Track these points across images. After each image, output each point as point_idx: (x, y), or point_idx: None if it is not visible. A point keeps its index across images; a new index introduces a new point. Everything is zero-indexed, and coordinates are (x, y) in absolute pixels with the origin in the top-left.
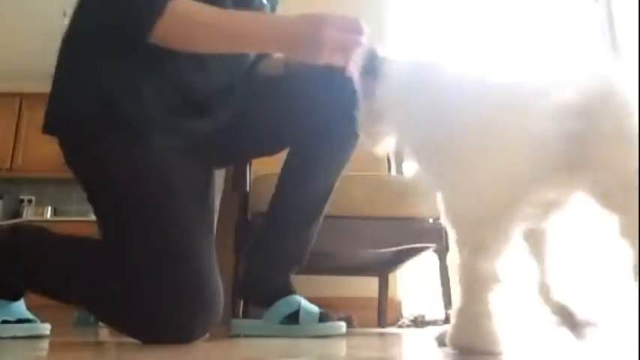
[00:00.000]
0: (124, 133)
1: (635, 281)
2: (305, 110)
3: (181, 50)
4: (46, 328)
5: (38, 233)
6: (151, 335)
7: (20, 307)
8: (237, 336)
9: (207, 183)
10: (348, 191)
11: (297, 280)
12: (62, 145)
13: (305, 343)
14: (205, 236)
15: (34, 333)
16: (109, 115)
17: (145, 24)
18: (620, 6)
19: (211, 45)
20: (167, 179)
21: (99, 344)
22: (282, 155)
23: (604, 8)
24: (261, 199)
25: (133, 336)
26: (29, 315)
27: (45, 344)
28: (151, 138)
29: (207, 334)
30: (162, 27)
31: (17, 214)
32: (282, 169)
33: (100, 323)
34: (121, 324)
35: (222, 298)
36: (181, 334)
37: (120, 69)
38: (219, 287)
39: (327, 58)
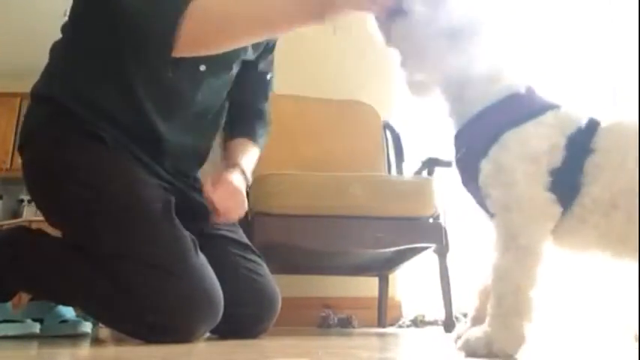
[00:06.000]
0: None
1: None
2: None
3: (206, 51)
4: (35, 326)
5: (36, 236)
6: (151, 335)
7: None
8: None
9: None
10: (348, 191)
11: (297, 280)
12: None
13: (306, 343)
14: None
15: (24, 332)
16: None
17: (168, 29)
18: (619, 6)
19: (243, 31)
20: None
21: (99, 343)
22: (282, 155)
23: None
24: (261, 199)
25: (133, 336)
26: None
27: (41, 343)
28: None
29: (208, 333)
30: (187, 27)
31: (17, 214)
32: None
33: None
34: (119, 326)
35: (221, 296)
36: (182, 335)
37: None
38: (217, 286)
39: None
